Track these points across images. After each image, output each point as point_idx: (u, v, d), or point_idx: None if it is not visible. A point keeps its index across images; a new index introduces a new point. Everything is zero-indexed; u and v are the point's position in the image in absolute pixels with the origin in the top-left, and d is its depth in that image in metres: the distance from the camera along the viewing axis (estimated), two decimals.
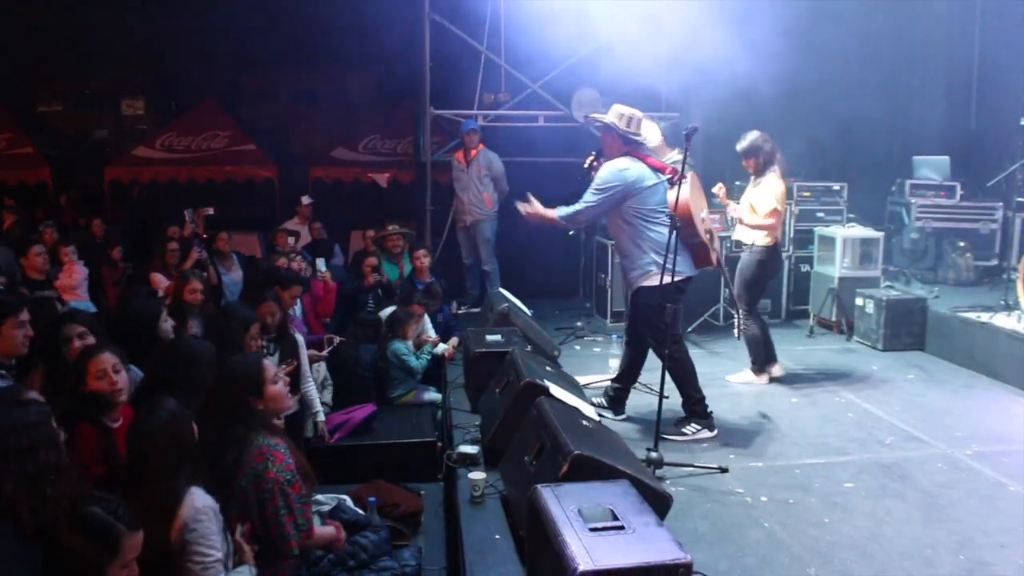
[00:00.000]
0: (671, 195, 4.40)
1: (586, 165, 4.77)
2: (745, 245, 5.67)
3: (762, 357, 5.72)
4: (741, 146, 5.59)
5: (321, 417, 4.88)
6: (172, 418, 2.63)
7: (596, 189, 4.52)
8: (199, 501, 2.55)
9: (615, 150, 4.61)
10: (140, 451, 2.57)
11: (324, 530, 3.14)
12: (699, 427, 4.67)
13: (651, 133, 4.73)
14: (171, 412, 2.64)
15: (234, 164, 13.65)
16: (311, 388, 4.85)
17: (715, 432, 4.69)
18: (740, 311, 5.62)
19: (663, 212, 4.49)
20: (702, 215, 4.61)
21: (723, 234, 6.91)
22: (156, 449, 2.54)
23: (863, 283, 7.06)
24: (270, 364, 3.22)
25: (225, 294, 6.66)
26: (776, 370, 5.80)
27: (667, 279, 4.25)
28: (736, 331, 5.48)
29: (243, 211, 12.97)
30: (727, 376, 5.83)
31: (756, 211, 5.53)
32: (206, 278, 5.71)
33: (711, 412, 4.72)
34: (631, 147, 4.60)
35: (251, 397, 2.99)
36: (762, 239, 5.56)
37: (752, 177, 5.63)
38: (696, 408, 4.67)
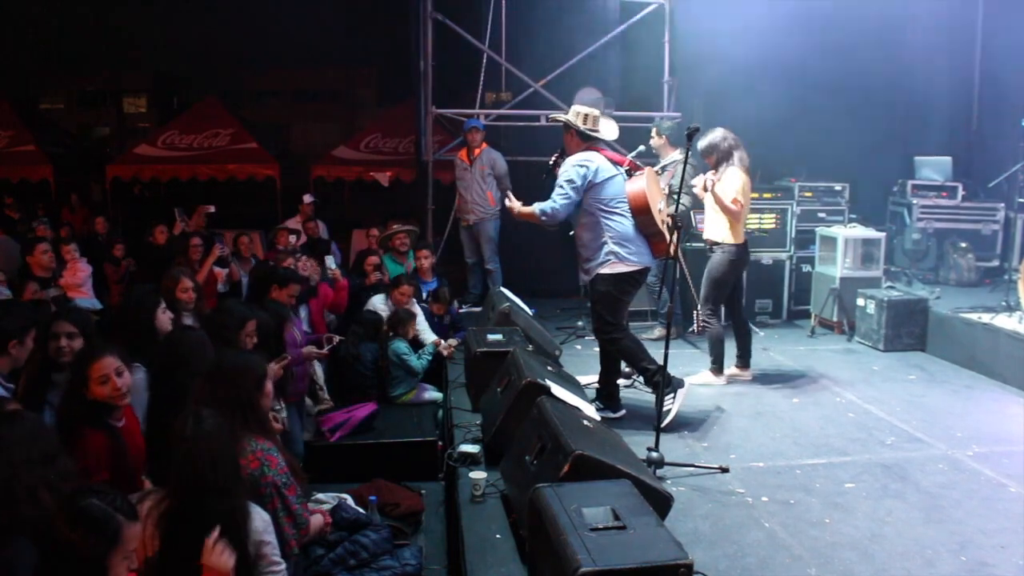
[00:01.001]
0: (628, 186, 4.74)
1: (551, 163, 4.97)
2: (716, 245, 5.63)
3: (723, 357, 5.72)
4: (700, 144, 5.67)
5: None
6: (220, 426, 2.62)
7: (565, 183, 4.72)
8: (264, 513, 2.62)
9: (575, 147, 4.83)
10: (197, 463, 2.51)
11: (315, 521, 3.18)
12: (672, 394, 4.72)
13: (609, 130, 4.90)
14: (216, 420, 2.63)
15: (235, 162, 13.66)
16: None
17: (685, 384, 4.80)
18: (703, 310, 5.67)
19: (623, 203, 4.73)
20: (659, 206, 4.84)
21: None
22: (217, 459, 2.52)
23: (864, 283, 7.05)
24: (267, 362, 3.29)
25: (244, 292, 6.66)
26: (744, 374, 5.79)
27: (625, 269, 4.70)
28: (695, 327, 5.61)
29: (244, 209, 12.99)
30: (686, 377, 5.74)
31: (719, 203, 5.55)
32: (194, 275, 5.66)
33: (672, 376, 4.76)
34: (590, 143, 4.82)
35: (257, 393, 3.03)
36: (731, 237, 5.54)
37: (713, 172, 5.63)
38: (657, 380, 4.70)
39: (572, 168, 4.71)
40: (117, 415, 3.11)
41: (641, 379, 5.36)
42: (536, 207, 4.80)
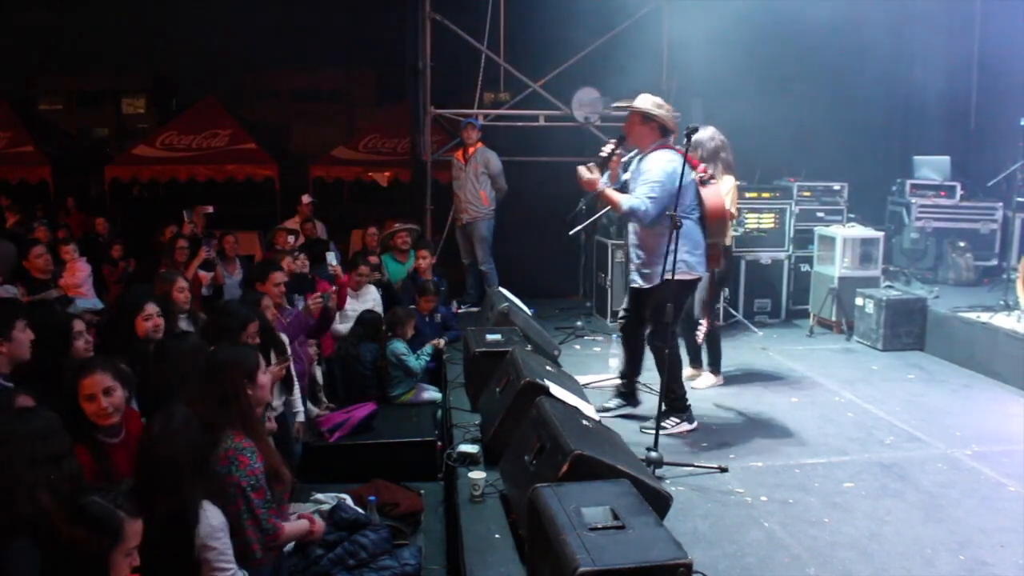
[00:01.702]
0: (711, 193, 4.58)
1: (605, 152, 4.62)
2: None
3: (720, 358, 5.71)
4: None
5: (301, 418, 4.69)
6: (187, 426, 2.60)
7: (656, 184, 4.36)
8: (215, 518, 2.57)
9: (648, 140, 4.52)
10: (155, 462, 2.51)
11: (295, 526, 3.11)
12: (678, 420, 4.72)
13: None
14: (186, 420, 2.61)
15: (234, 163, 13.67)
16: (296, 390, 4.74)
17: (695, 424, 4.76)
18: (703, 314, 5.58)
19: (696, 210, 4.54)
20: None
21: None
22: (173, 461, 2.51)
23: (863, 283, 7.05)
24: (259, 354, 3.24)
25: (225, 295, 6.64)
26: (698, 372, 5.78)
27: (690, 277, 4.51)
28: (700, 335, 5.52)
29: (243, 210, 13.00)
30: (691, 384, 5.54)
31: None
32: (186, 277, 5.63)
33: (689, 405, 4.76)
34: (667, 139, 4.54)
35: (246, 383, 3.02)
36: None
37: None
38: (676, 404, 4.71)
39: (663, 171, 4.36)
40: (112, 431, 2.95)
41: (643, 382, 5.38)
42: (625, 201, 4.43)
